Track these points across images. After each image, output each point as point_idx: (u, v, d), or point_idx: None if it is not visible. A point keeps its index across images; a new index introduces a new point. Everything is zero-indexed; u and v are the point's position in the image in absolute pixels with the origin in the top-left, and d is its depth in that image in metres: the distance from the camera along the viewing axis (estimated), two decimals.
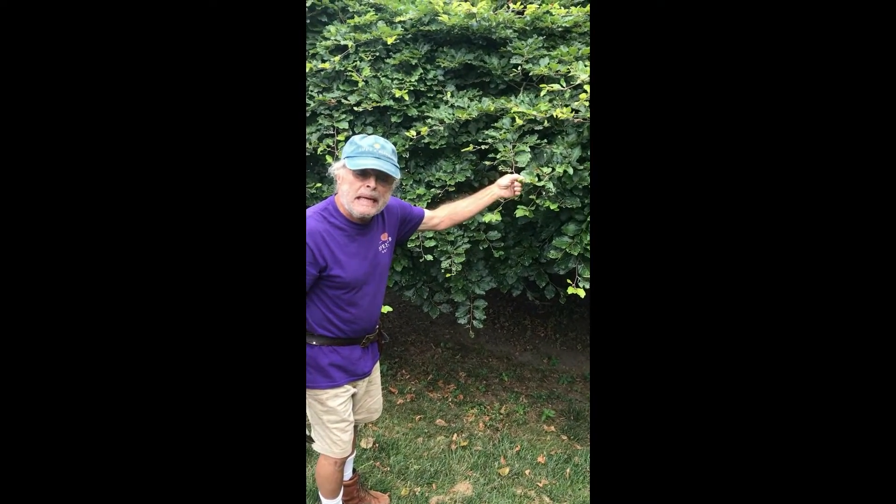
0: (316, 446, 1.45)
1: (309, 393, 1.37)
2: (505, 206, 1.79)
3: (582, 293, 1.65)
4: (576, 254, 1.68)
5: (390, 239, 1.43)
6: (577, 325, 3.49)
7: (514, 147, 1.74)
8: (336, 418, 1.39)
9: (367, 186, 1.24)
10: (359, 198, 1.25)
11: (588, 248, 1.67)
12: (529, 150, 1.73)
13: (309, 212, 1.29)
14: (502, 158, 1.74)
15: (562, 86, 1.69)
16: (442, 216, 1.56)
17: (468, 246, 1.95)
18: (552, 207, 1.62)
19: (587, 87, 1.58)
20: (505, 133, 1.78)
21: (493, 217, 1.74)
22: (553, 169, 1.62)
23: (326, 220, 1.29)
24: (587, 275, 1.67)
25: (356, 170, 1.23)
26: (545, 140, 1.78)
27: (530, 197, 1.66)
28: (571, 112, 1.64)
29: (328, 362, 1.35)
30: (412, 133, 1.88)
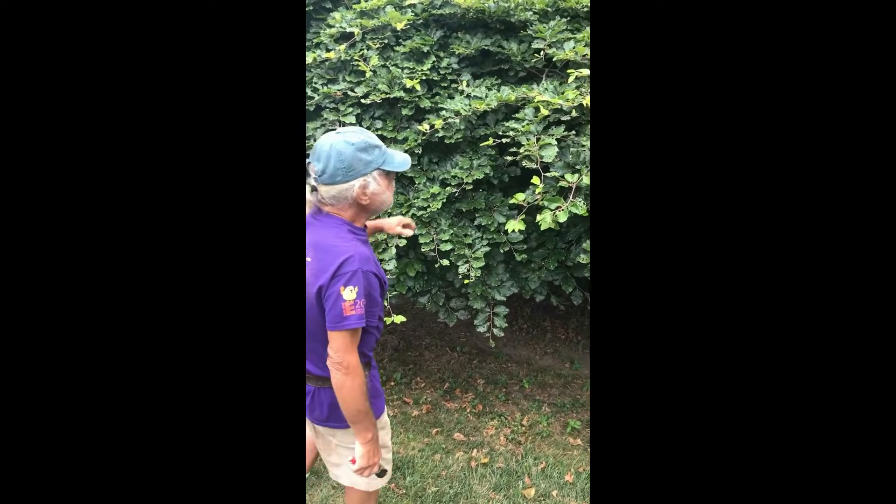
0: (361, 485, 1.29)
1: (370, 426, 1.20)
2: (528, 212, 1.63)
3: None
4: None
5: None
6: None
7: (538, 140, 1.58)
8: (386, 449, 1.31)
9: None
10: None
11: None
12: (556, 143, 1.56)
13: (347, 245, 1.07)
14: (525, 153, 1.58)
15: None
16: None
17: (487, 249, 1.79)
18: (581, 213, 1.45)
19: None
20: (528, 125, 1.61)
21: (517, 225, 1.57)
22: (581, 175, 1.46)
23: (360, 240, 1.11)
24: None
25: (404, 170, 1.14)
26: (573, 132, 1.61)
27: (557, 206, 1.49)
28: None
29: (377, 379, 1.27)
30: (425, 127, 1.72)
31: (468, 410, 2.39)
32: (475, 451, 2.08)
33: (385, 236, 1.83)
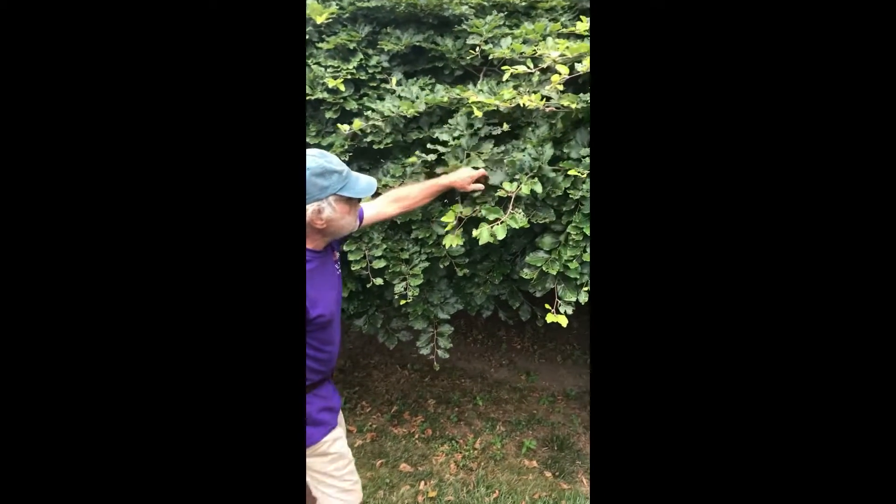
0: None
1: (308, 453, 1.20)
2: (465, 226, 1.48)
3: (564, 321, 1.35)
4: (554, 272, 1.38)
5: (338, 255, 1.25)
6: (555, 334, 3.22)
7: (468, 156, 1.43)
8: (345, 461, 1.26)
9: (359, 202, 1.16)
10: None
11: (568, 265, 1.37)
12: (483, 163, 1.42)
13: None
14: (455, 167, 1.43)
15: (529, 67, 1.38)
16: (390, 209, 1.37)
17: (427, 264, 1.63)
18: (520, 226, 1.31)
19: (560, 69, 1.27)
20: (458, 139, 1.46)
21: (455, 240, 1.42)
22: (519, 185, 1.32)
23: None
24: (569, 297, 1.37)
25: (365, 196, 1.11)
26: (510, 144, 1.47)
27: (495, 219, 1.35)
28: (542, 99, 1.33)
29: (317, 409, 1.20)
30: (344, 128, 1.54)
31: (416, 436, 2.22)
32: (423, 483, 1.91)
33: None
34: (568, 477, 2.00)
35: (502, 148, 1.46)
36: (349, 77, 1.65)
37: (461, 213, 1.43)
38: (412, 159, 1.49)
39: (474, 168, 1.41)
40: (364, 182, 1.11)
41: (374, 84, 1.70)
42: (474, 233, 1.33)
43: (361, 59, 1.69)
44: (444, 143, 1.47)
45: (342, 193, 1.06)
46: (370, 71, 1.69)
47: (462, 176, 1.38)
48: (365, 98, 1.68)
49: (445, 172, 1.45)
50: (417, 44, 1.70)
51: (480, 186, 1.40)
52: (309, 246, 1.10)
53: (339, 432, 1.28)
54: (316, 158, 1.05)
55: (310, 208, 1.04)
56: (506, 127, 1.45)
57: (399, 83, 1.67)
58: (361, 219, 1.27)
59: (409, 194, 1.38)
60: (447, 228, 1.44)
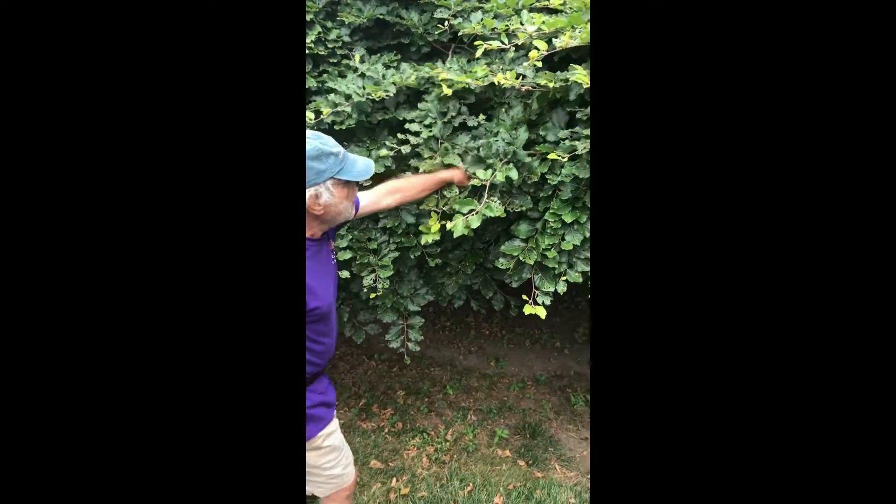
0: (321, 492, 1.25)
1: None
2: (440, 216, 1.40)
3: (542, 313, 1.30)
4: (531, 262, 1.31)
5: (333, 244, 1.20)
6: (523, 319, 3.20)
7: (446, 151, 1.34)
8: (337, 454, 1.22)
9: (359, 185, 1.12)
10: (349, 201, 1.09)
11: (545, 254, 1.31)
12: (458, 157, 1.33)
13: None
14: (426, 166, 1.35)
15: (503, 43, 1.29)
16: (387, 201, 1.29)
17: (396, 254, 1.54)
18: (496, 214, 1.24)
19: (538, 44, 1.19)
20: (430, 126, 1.36)
21: (434, 235, 1.33)
22: (494, 172, 1.24)
23: None
24: (548, 287, 1.32)
25: (363, 179, 1.05)
26: (482, 128, 1.38)
27: (469, 209, 1.27)
28: (517, 78, 1.25)
29: (311, 405, 1.15)
30: (310, 116, 1.41)
31: (386, 430, 2.15)
32: (394, 479, 1.85)
33: None
34: (541, 465, 1.98)
35: (476, 135, 1.38)
36: (307, 52, 1.51)
37: (436, 206, 1.35)
38: (384, 152, 1.39)
39: (453, 165, 1.34)
40: (361, 164, 1.05)
41: (335, 60, 1.57)
42: (448, 225, 1.25)
43: (320, 33, 1.55)
44: (416, 134, 1.37)
45: (340, 177, 1.00)
46: (329, 46, 1.56)
47: (452, 174, 1.33)
48: (325, 75, 1.55)
49: (419, 165, 1.37)
50: (381, 17, 1.58)
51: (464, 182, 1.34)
52: (306, 234, 1.05)
53: (334, 426, 1.23)
54: (311, 140, 0.98)
55: (307, 193, 0.98)
56: (482, 118, 1.37)
57: (362, 60, 1.55)
58: (357, 207, 1.19)
59: (407, 186, 1.30)
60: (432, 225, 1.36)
